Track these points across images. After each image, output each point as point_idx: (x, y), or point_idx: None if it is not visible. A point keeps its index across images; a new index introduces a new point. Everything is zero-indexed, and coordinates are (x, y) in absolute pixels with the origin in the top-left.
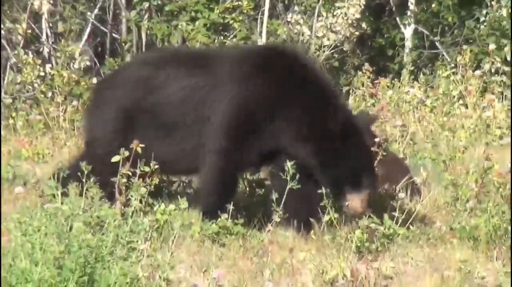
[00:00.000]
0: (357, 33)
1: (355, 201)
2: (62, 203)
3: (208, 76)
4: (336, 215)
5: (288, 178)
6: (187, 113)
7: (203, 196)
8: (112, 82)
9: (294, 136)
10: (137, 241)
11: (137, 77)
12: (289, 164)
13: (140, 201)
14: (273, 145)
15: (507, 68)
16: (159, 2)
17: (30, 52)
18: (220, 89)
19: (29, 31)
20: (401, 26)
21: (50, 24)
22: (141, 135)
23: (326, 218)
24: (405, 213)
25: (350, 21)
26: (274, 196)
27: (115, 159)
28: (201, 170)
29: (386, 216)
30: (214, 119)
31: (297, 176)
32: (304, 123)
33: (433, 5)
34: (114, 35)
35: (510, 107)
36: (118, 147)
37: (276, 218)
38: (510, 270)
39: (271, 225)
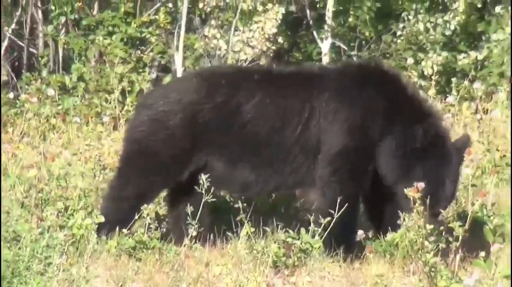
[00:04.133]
0: (274, 47)
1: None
2: None
3: (306, 98)
4: (252, 229)
5: (203, 191)
6: (284, 137)
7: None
8: (172, 100)
9: (389, 155)
10: (53, 256)
11: (212, 96)
12: (203, 177)
13: (57, 216)
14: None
15: (424, 83)
16: (76, 16)
17: None
18: (327, 114)
19: None
20: (318, 40)
21: None
22: (219, 156)
23: (243, 232)
24: (322, 227)
25: (267, 36)
26: (189, 209)
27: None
28: (315, 200)
29: (302, 230)
30: (326, 145)
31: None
32: (400, 143)
33: (350, 19)
34: (31, 49)
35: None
36: (181, 164)
37: (192, 232)
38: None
39: (188, 239)
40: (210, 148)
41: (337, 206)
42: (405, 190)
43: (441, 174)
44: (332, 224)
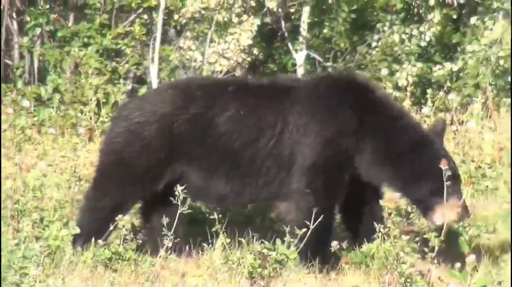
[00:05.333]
0: (249, 59)
1: (444, 210)
2: None
3: (279, 111)
4: (228, 240)
5: (179, 203)
6: (257, 149)
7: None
8: (148, 111)
9: (372, 162)
10: (29, 267)
11: (187, 107)
12: (179, 189)
13: (32, 227)
14: (351, 173)
15: (398, 94)
16: (52, 28)
17: None
18: (299, 126)
19: None
20: (293, 52)
21: None
22: (195, 167)
23: (218, 242)
24: (298, 237)
25: (242, 47)
26: (165, 220)
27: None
28: (289, 211)
29: (278, 241)
30: (299, 157)
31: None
32: (381, 148)
33: (325, 31)
34: (6, 61)
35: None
36: (157, 175)
37: (168, 243)
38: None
39: (163, 250)
40: (186, 159)
41: (312, 218)
42: (380, 201)
43: (427, 166)
44: (307, 236)
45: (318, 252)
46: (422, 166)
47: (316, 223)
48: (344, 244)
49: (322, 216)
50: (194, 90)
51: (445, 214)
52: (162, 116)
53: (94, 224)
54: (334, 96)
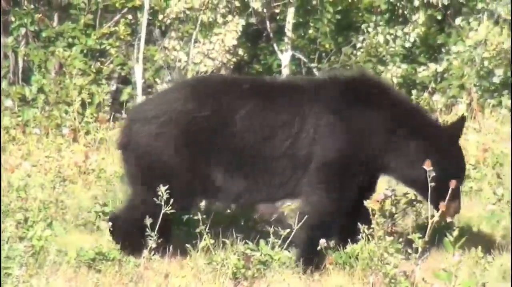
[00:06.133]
0: (234, 59)
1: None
2: None
3: (297, 111)
4: (211, 241)
5: (163, 203)
6: (273, 147)
7: (307, 229)
8: (169, 109)
9: (410, 162)
10: (13, 267)
11: (204, 104)
12: (162, 189)
13: (16, 227)
14: (373, 173)
15: None
16: (36, 28)
17: None
18: (320, 126)
19: None
20: (278, 52)
21: None
22: (215, 166)
23: (202, 243)
24: (281, 238)
25: (227, 48)
26: (148, 221)
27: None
28: (305, 205)
29: (262, 242)
30: (317, 157)
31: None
32: (420, 149)
33: (310, 32)
34: None
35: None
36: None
37: (151, 243)
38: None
39: (147, 251)
40: (206, 157)
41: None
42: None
43: (456, 163)
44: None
45: (312, 245)
46: (453, 166)
47: (323, 222)
48: (332, 243)
49: (332, 216)
50: (211, 88)
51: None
52: (185, 114)
53: (139, 233)
54: (358, 96)
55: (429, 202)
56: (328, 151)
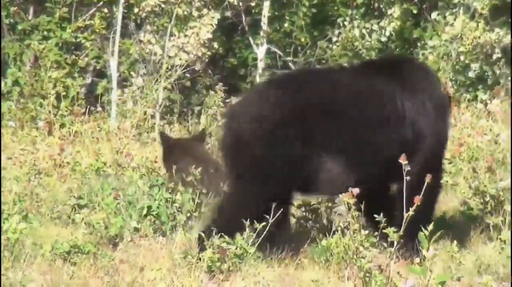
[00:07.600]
0: (209, 53)
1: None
2: None
3: (393, 94)
4: (188, 235)
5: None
6: (383, 133)
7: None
8: (269, 104)
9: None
10: None
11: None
12: (140, 182)
13: None
14: None
15: None
16: (11, 20)
17: None
18: (416, 109)
19: None
20: (254, 46)
21: None
22: (324, 158)
23: (178, 237)
24: (257, 231)
25: (202, 41)
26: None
27: None
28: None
29: (237, 235)
30: (420, 139)
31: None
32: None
33: (286, 25)
34: None
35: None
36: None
37: (128, 237)
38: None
39: (122, 244)
40: (318, 147)
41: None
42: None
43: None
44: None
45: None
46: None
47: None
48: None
49: (435, 197)
50: (308, 80)
51: None
52: (293, 107)
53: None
54: (429, 78)
55: (404, 196)
56: (433, 134)
